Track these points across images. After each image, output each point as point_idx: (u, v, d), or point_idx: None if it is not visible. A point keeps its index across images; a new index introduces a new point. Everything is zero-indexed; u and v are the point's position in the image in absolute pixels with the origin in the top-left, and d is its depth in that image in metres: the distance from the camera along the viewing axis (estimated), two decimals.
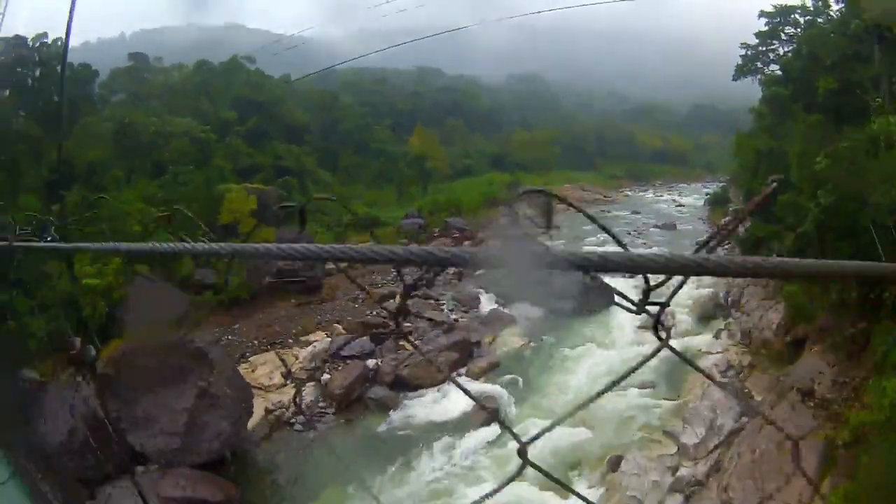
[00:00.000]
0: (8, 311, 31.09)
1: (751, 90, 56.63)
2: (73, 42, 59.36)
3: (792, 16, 45.61)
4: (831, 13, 41.55)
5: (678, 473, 23.63)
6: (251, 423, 28.24)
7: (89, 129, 52.08)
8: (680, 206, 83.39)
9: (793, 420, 20.99)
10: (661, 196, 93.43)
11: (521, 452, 1.76)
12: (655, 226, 68.15)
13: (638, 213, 76.86)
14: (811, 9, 43.66)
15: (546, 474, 1.85)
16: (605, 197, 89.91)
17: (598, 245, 57.54)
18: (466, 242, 58.34)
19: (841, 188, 21.28)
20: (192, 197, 47.54)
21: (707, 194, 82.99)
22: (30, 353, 29.57)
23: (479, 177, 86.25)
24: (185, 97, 68.68)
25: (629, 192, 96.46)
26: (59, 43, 57.40)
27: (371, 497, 28.67)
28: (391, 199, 73.62)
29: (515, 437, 1.78)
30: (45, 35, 55.71)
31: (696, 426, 25.65)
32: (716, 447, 24.28)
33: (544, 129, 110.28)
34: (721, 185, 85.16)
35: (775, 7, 46.15)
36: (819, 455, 19.06)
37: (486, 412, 28.92)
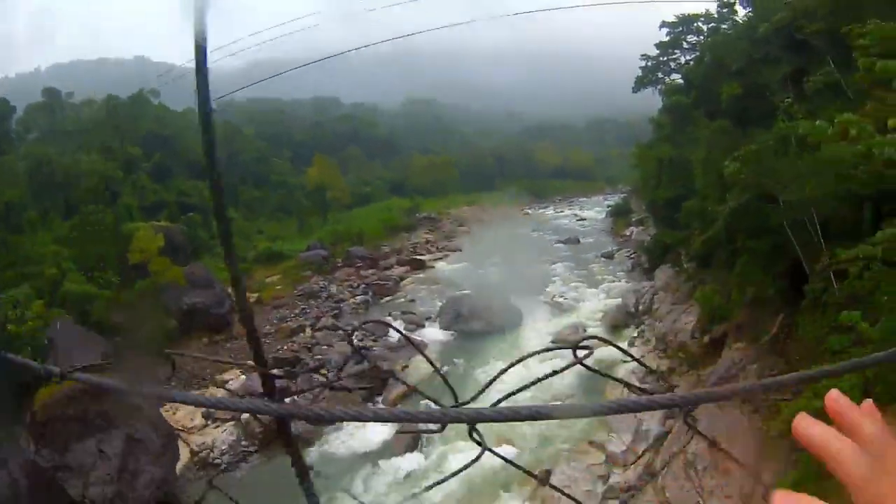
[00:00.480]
0: None
1: (651, 101, 57.97)
2: None
3: (695, 24, 46.69)
4: (736, 19, 42.64)
5: (610, 481, 23.67)
6: (179, 466, 27.51)
7: (7, 168, 51.87)
8: (581, 219, 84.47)
9: (721, 418, 21.07)
10: (562, 211, 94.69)
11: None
12: (559, 241, 68.80)
13: (538, 230, 77.54)
14: (715, 16, 44.73)
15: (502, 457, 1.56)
16: (504, 217, 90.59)
17: (502, 263, 58.06)
18: (370, 271, 58.12)
19: (750, 189, 21.61)
20: (102, 237, 46.79)
21: (608, 206, 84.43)
22: None
23: (379, 203, 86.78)
24: (95, 134, 67.96)
25: (529, 210, 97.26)
26: None
27: None
28: (292, 231, 73.48)
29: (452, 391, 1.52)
30: None
31: (622, 433, 25.77)
32: (645, 451, 24.33)
33: (442, 154, 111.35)
34: (622, 196, 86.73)
35: (678, 17, 47.26)
36: (754, 448, 19.19)
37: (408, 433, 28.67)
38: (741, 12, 42.19)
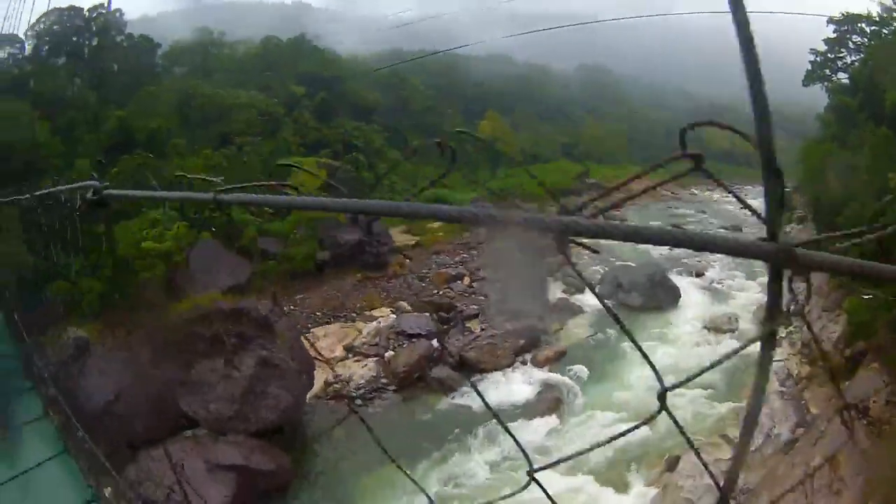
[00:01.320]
0: (62, 270, 32.13)
1: (818, 97, 56.36)
2: (132, 15, 60.60)
3: (859, 25, 45.28)
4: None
5: None
6: (310, 395, 28.97)
7: (150, 98, 52.66)
8: (745, 207, 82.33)
9: (846, 436, 21.43)
10: (728, 197, 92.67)
11: (529, 474, 2.02)
12: (722, 227, 68.17)
13: (704, 212, 76.97)
14: (877, 18, 43.34)
15: (549, 497, 2.07)
16: (672, 194, 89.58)
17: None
18: None
19: None
20: (259, 168, 48.40)
21: None
22: (81, 312, 30.49)
23: (549, 164, 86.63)
24: (252, 71, 69.50)
25: (696, 191, 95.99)
26: (118, 14, 58.87)
27: (411, 480, 29.33)
28: (459, 181, 74.34)
29: (527, 458, 2.03)
30: (102, 5, 57.10)
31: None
32: (771, 456, 24.82)
33: (614, 122, 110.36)
34: (786, 190, 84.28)
35: (843, 15, 45.86)
36: (866, 472, 19.64)
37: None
38: None
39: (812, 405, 27.86)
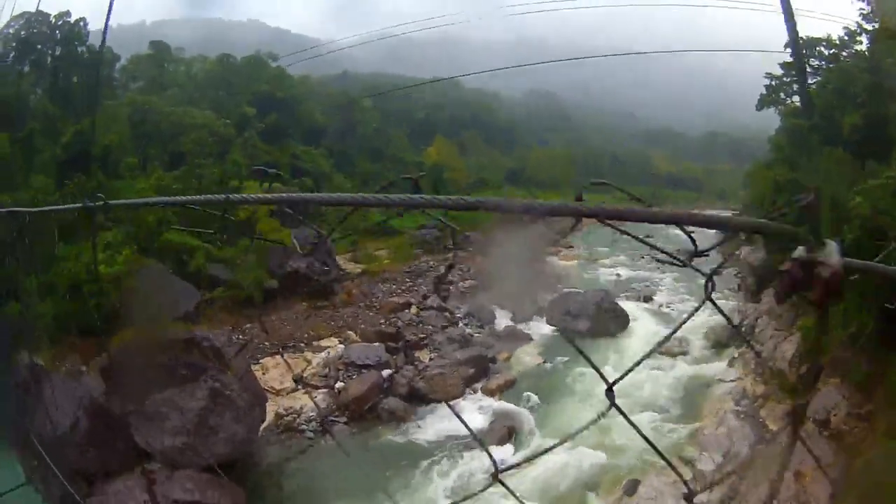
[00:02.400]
0: (15, 291, 31.12)
1: (767, 120, 57.09)
2: (92, 26, 59.58)
3: (817, 48, 45.87)
4: (857, 48, 41.92)
5: (694, 499, 24.00)
6: (262, 427, 28.26)
7: (107, 113, 51.90)
8: (691, 232, 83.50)
9: (806, 452, 21.37)
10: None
11: (494, 476, 2.13)
12: (679, 248, 68.68)
13: (651, 237, 77.08)
14: (836, 42, 43.95)
15: (516, 496, 2.15)
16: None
17: (610, 266, 58.42)
18: (481, 257, 58.85)
19: (866, 224, 21.76)
20: (207, 191, 45.95)
21: None
22: (34, 337, 29.12)
23: (495, 191, 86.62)
24: (206, 89, 69.41)
25: None
26: (81, 24, 57.85)
27: None
28: None
29: (493, 460, 2.10)
30: (67, 13, 56.12)
31: (712, 452, 26.07)
32: (730, 474, 24.69)
33: (560, 148, 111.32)
34: (734, 213, 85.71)
35: (801, 39, 46.45)
36: (834, 483, 19.62)
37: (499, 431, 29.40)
38: (864, 42, 41.42)
39: (770, 422, 27.83)
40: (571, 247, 68.88)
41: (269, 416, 29.10)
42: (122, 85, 66.85)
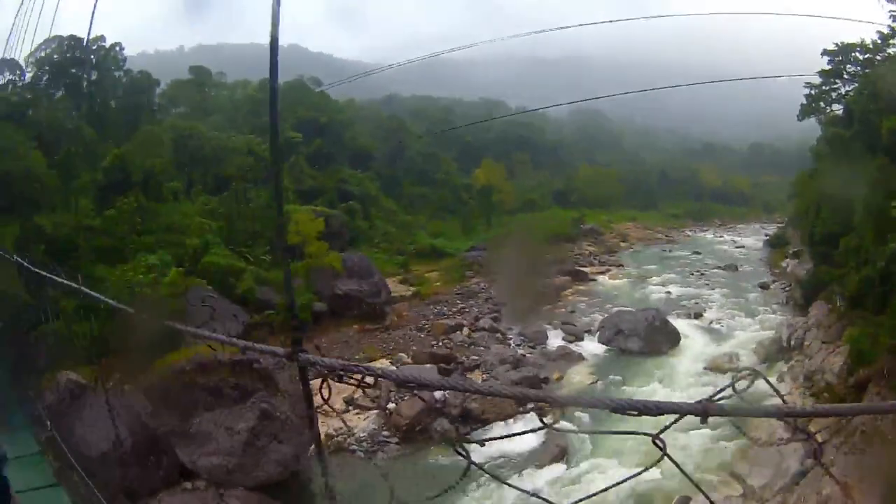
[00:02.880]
0: (55, 311, 31.59)
1: (813, 129, 56.63)
2: (130, 51, 60.39)
3: (853, 54, 45.54)
4: (890, 52, 41.55)
5: None
6: (312, 448, 28.08)
7: (148, 137, 52.41)
8: (740, 247, 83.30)
9: (857, 463, 21.32)
10: (721, 237, 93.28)
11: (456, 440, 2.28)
12: (717, 267, 68.32)
13: (699, 253, 77.04)
14: (871, 47, 43.61)
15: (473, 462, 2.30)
16: (666, 237, 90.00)
17: (660, 284, 58.22)
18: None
19: None
20: (254, 215, 48.30)
21: (766, 235, 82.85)
22: (75, 355, 29.23)
23: (543, 212, 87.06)
24: (249, 114, 69.28)
25: (690, 233, 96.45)
26: (117, 48, 58.65)
27: None
28: (455, 230, 73.88)
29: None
30: (102, 38, 57.58)
31: (763, 468, 25.91)
32: (781, 489, 24.57)
33: (608, 167, 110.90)
34: (779, 226, 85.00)
35: (837, 45, 46.14)
36: (878, 496, 19.52)
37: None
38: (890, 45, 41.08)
39: (820, 435, 27.52)
40: (622, 265, 68.81)
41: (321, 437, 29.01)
42: (163, 110, 67.65)
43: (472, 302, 51.39)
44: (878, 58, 43.00)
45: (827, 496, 20.52)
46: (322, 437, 28.87)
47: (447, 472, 28.49)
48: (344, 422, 31.66)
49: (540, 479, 27.88)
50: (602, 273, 65.92)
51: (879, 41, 42.68)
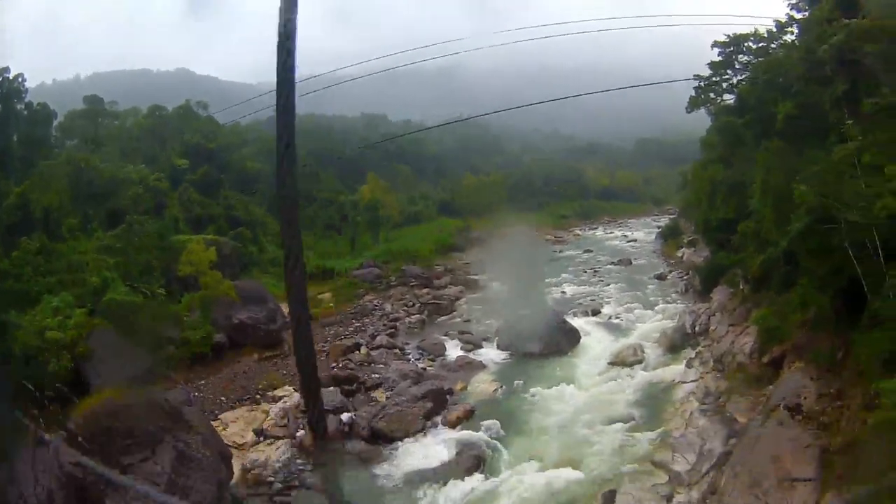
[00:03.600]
0: None
1: (698, 122, 57.82)
2: (30, 83, 57.89)
3: (746, 44, 46.56)
4: (785, 39, 42.60)
5: (674, 501, 23.80)
6: (231, 484, 27.00)
7: (47, 173, 50.99)
8: (632, 241, 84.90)
9: (784, 436, 21.40)
10: (612, 232, 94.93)
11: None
12: (611, 263, 69.14)
13: (591, 251, 77.88)
14: (765, 36, 44.60)
15: None
16: (556, 238, 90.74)
17: (553, 284, 58.40)
18: (424, 290, 58.45)
19: (814, 211, 21.86)
20: (148, 247, 46.70)
21: (657, 228, 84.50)
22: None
23: (430, 223, 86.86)
24: (139, 142, 68.33)
25: (579, 231, 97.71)
26: (20, 80, 56.19)
27: None
28: (344, 248, 73.14)
29: None
30: (6, 69, 55.08)
31: (685, 453, 25.83)
32: (708, 471, 24.50)
33: (491, 173, 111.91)
34: (671, 217, 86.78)
35: (729, 36, 47.10)
36: (816, 463, 19.60)
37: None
38: (793, 32, 42.13)
39: (738, 416, 27.78)
40: None
41: (237, 472, 27.96)
42: (60, 142, 65.39)
43: (367, 320, 50.65)
44: (773, 46, 43.98)
45: (759, 471, 20.38)
46: (239, 471, 28.03)
47: (365, 493, 27.75)
48: None
49: (461, 490, 27.04)
50: (494, 279, 65.83)
51: (776, 30, 43.72)
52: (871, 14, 24.79)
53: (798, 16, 40.22)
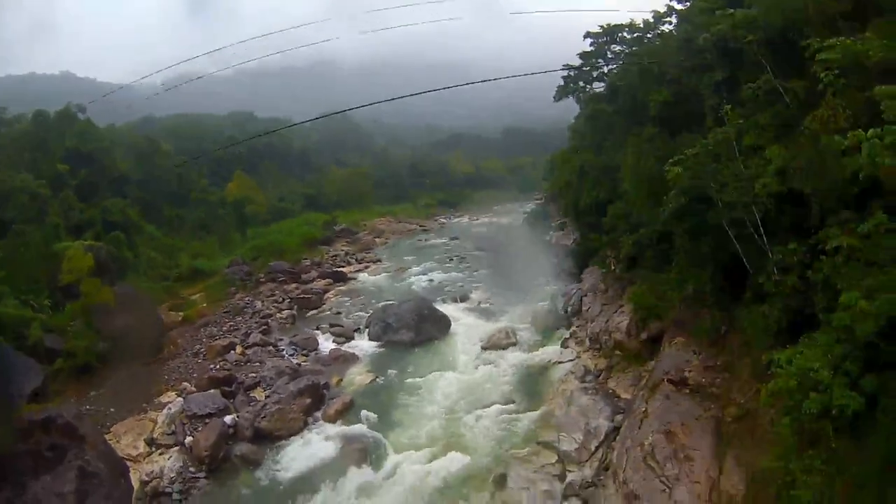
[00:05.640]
0: None
1: (563, 111, 58.84)
2: None
3: (619, 34, 47.58)
4: (663, 29, 43.79)
5: (567, 480, 24.22)
6: (133, 497, 26.43)
7: None
8: (498, 227, 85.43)
9: (673, 409, 22.05)
10: (477, 219, 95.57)
11: None
12: (478, 249, 69.58)
13: (456, 238, 78.28)
14: (640, 26, 45.67)
15: None
16: (421, 227, 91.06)
17: (421, 273, 58.52)
18: (293, 285, 57.73)
19: (688, 192, 22.61)
20: (32, 257, 45.31)
21: (524, 213, 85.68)
22: None
23: (297, 218, 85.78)
24: (24, 149, 64.59)
25: (444, 220, 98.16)
26: None
27: None
28: (214, 247, 71.67)
29: None
30: None
31: (571, 432, 26.36)
32: (597, 448, 25.05)
33: (358, 167, 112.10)
34: (537, 202, 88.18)
35: (602, 27, 48.02)
36: (711, 434, 20.29)
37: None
38: (671, 22, 43.36)
39: (620, 392, 28.48)
40: (379, 260, 68.80)
41: (135, 485, 27.17)
42: None
43: (240, 318, 49.43)
44: (648, 36, 45.08)
45: (651, 444, 20.97)
46: (137, 484, 27.02)
47: (258, 495, 27.46)
48: None
49: (350, 483, 26.96)
50: (361, 271, 65.56)
51: (652, 20, 44.81)
52: (759, 4, 25.83)
53: (678, 6, 41.44)
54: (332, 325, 46.74)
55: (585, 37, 49.10)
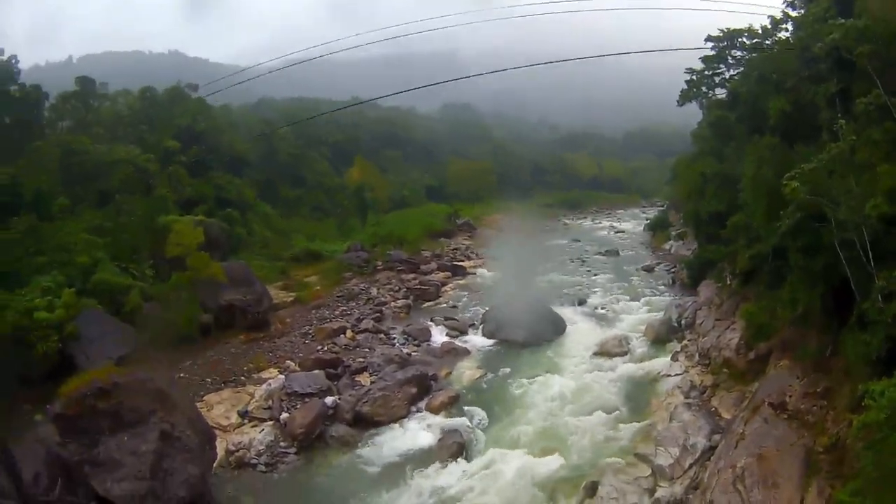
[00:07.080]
0: None
1: (688, 115, 57.69)
2: (23, 65, 57.75)
3: (739, 39, 46.46)
4: (780, 36, 42.51)
5: (656, 495, 23.72)
6: (215, 465, 27.11)
7: (37, 154, 50.75)
8: (619, 231, 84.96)
9: (769, 433, 21.39)
10: (599, 223, 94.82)
11: None
12: (598, 253, 69.02)
13: (578, 240, 77.74)
14: (759, 32, 44.51)
15: None
16: (542, 226, 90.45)
17: (540, 273, 58.18)
18: (411, 275, 58.27)
19: (804, 208, 21.76)
20: (136, 228, 46.59)
21: (646, 219, 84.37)
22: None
23: (417, 208, 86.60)
24: (130, 124, 67.34)
25: (567, 221, 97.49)
26: (13, 61, 56.23)
27: None
28: (332, 231, 72.85)
29: None
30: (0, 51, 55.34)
31: (669, 447, 25.79)
32: (691, 466, 24.48)
33: (479, 160, 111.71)
34: (659, 209, 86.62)
35: (722, 31, 46.99)
36: (801, 462, 19.57)
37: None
38: (788, 29, 42.05)
39: (723, 411, 27.77)
40: (499, 257, 68.79)
41: (220, 453, 27.86)
42: (51, 124, 64.35)
43: (353, 304, 50.18)
44: (767, 42, 43.87)
45: (742, 468, 20.36)
46: (222, 453, 27.73)
47: (348, 477, 27.67)
48: None
49: (444, 475, 27.06)
50: (480, 266, 65.62)
51: (770, 26, 43.60)
52: (867, 14, 24.69)
53: (793, 13, 40.11)
54: (446, 318, 46.88)
55: (707, 40, 48.06)
